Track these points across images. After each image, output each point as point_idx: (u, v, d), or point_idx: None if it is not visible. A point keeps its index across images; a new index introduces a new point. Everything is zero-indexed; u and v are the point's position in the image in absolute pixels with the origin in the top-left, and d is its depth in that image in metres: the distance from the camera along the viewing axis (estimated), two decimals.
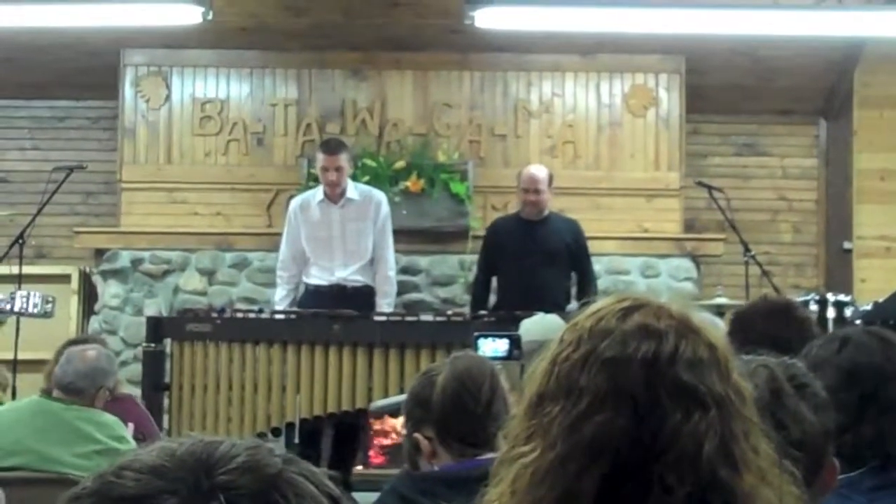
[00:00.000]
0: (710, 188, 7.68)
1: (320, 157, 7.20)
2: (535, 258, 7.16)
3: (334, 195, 7.19)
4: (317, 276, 7.20)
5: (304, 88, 8.63)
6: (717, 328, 1.96)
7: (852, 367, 2.53)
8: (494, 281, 7.47)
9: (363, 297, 7.09)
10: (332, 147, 7.24)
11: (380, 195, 7.37)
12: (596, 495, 1.34)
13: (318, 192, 7.29)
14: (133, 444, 4.43)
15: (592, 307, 1.47)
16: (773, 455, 1.42)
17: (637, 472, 1.33)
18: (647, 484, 1.33)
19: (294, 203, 7.42)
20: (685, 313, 1.44)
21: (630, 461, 1.34)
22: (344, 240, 7.19)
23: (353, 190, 7.26)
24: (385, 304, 7.08)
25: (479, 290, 7.45)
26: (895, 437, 2.46)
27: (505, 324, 5.62)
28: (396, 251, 8.04)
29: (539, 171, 7.37)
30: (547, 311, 6.26)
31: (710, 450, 1.34)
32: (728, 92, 8.84)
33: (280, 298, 7.22)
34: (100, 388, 4.52)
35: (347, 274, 7.16)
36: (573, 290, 7.36)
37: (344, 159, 7.17)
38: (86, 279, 8.64)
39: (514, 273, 7.21)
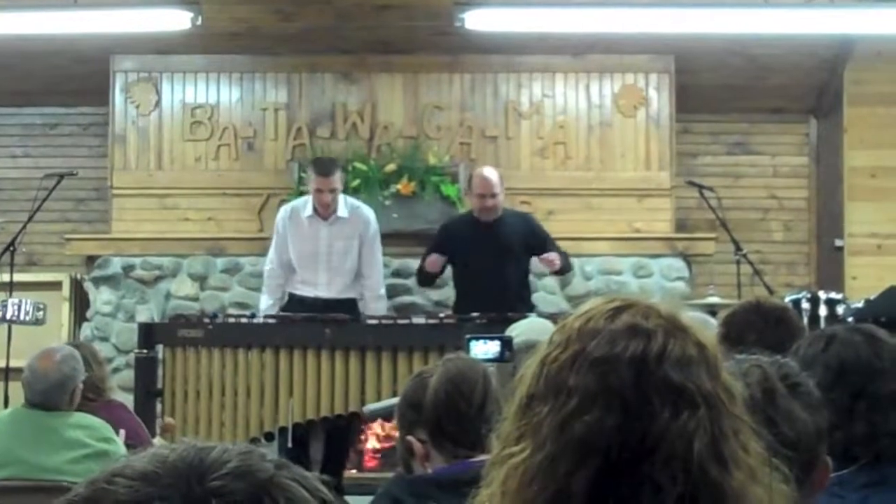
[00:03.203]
0: (700, 187, 7.70)
1: (314, 178, 7.16)
2: (492, 257, 7.11)
3: (326, 213, 7.19)
4: (301, 290, 7.20)
5: (295, 92, 8.62)
6: (707, 327, 1.96)
7: (840, 365, 2.53)
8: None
9: (346, 307, 7.07)
10: (326, 168, 7.19)
11: (368, 213, 7.35)
12: (587, 495, 1.34)
13: (308, 205, 7.27)
14: (121, 445, 4.43)
15: (581, 308, 1.47)
16: (764, 453, 1.42)
17: (627, 472, 1.33)
18: (638, 483, 1.33)
19: (283, 211, 7.41)
20: (674, 312, 1.44)
21: (620, 461, 1.34)
22: (329, 257, 7.19)
23: (344, 207, 7.25)
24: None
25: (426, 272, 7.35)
26: (886, 433, 2.46)
27: (495, 325, 5.62)
28: (389, 254, 8.03)
29: (492, 174, 7.29)
30: (511, 310, 6.26)
31: (699, 448, 1.34)
32: (718, 91, 8.84)
33: (266, 308, 7.19)
34: (73, 390, 4.51)
35: (330, 295, 7.15)
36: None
37: (338, 180, 7.17)
38: (77, 286, 8.62)
39: (472, 274, 7.18)
